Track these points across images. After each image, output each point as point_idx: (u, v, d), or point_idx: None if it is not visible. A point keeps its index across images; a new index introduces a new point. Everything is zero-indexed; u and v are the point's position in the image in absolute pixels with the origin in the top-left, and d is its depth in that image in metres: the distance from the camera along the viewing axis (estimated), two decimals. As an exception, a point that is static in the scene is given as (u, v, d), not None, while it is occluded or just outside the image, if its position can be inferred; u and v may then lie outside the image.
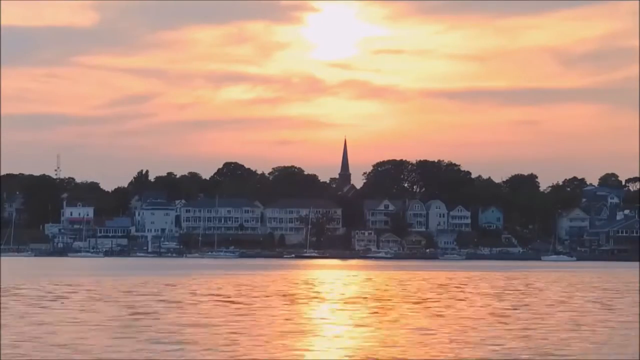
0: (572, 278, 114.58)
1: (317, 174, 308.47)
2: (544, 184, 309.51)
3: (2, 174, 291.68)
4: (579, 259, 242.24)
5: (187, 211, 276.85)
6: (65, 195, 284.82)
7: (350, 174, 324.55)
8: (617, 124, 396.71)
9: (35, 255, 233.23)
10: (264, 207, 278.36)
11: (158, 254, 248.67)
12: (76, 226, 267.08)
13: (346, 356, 33.18)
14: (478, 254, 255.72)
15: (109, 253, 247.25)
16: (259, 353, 33.09)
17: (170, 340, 36.59)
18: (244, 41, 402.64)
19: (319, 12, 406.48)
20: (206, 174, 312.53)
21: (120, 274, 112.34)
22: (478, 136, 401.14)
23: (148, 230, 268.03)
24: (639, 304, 61.76)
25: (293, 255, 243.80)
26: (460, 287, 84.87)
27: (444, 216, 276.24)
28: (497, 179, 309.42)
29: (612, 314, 53.43)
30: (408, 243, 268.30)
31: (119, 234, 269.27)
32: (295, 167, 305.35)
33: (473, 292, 77.01)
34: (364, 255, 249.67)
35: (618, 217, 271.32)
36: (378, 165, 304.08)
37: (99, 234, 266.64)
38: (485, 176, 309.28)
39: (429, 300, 64.68)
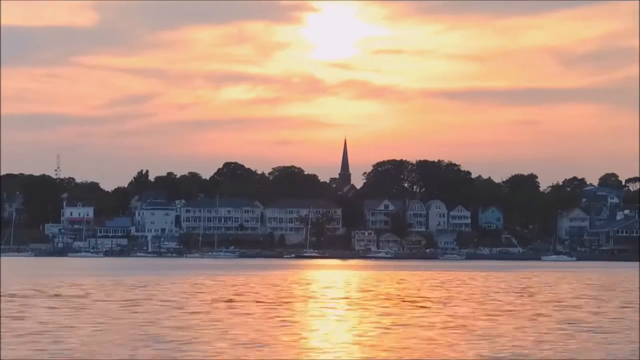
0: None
1: (317, 174, 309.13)
2: (544, 184, 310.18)
3: (2, 174, 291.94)
4: (579, 259, 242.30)
5: (187, 211, 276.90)
6: (65, 195, 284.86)
7: (350, 174, 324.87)
8: (617, 124, 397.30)
9: (35, 255, 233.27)
10: (264, 207, 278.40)
11: (158, 254, 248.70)
12: (76, 226, 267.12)
13: (348, 356, 33.16)
14: (478, 254, 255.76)
15: (109, 253, 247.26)
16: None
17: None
18: (244, 41, 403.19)
19: (319, 12, 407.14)
20: (206, 174, 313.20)
21: (139, 274, 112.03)
22: (478, 136, 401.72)
23: (148, 230, 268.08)
24: None
25: (293, 255, 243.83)
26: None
27: (444, 216, 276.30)
28: (497, 179, 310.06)
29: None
30: (408, 243, 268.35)
31: (119, 234, 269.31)
32: (295, 167, 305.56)
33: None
34: (364, 255, 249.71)
35: (618, 217, 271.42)
36: (378, 165, 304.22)
37: (99, 234, 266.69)
38: (485, 176, 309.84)
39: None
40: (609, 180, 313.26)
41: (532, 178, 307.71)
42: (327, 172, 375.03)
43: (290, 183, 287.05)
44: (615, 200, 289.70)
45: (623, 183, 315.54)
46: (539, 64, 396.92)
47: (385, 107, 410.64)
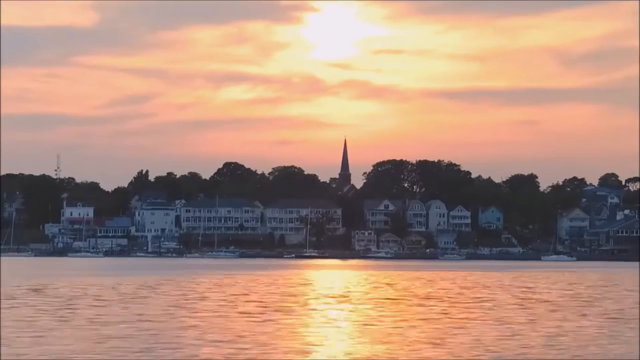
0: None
1: (317, 174, 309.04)
2: (544, 184, 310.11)
3: (2, 174, 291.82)
4: (579, 259, 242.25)
5: (187, 211, 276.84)
6: (65, 195, 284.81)
7: (350, 174, 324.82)
8: (617, 124, 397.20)
9: (35, 255, 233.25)
10: (264, 207, 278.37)
11: (158, 254, 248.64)
12: (76, 226, 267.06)
13: (348, 356, 33.18)
14: (478, 254, 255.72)
15: (109, 253, 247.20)
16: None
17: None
18: (244, 41, 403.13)
19: (319, 12, 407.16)
20: (206, 174, 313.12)
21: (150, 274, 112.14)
22: (478, 136, 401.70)
23: (148, 230, 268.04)
24: None
25: (293, 255, 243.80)
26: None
27: (444, 216, 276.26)
28: (497, 179, 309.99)
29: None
30: (408, 243, 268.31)
31: (119, 234, 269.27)
32: (295, 167, 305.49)
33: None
34: (364, 255, 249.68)
35: (618, 217, 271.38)
36: (378, 165, 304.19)
37: (99, 234, 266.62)
38: (485, 176, 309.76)
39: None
40: (609, 180, 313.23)
41: (532, 178, 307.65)
42: (327, 172, 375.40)
43: (290, 183, 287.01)
44: (615, 200, 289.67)
45: (623, 183, 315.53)
46: (539, 64, 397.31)
47: (385, 107, 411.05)
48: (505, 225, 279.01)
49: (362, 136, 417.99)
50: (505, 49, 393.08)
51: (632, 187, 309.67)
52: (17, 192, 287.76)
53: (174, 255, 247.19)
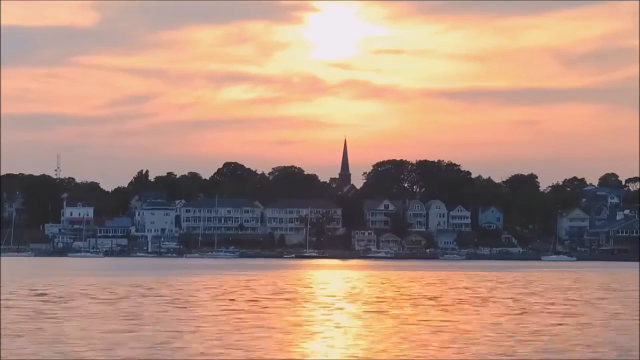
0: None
1: (317, 174, 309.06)
2: (544, 184, 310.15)
3: (2, 174, 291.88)
4: (579, 259, 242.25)
5: (187, 211, 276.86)
6: (65, 195, 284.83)
7: (350, 174, 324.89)
8: (617, 124, 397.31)
9: (35, 255, 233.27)
10: (264, 207, 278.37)
11: (158, 254, 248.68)
12: (76, 226, 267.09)
13: (348, 356, 33.18)
14: (478, 254, 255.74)
15: (109, 253, 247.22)
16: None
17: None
18: (244, 41, 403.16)
19: (319, 12, 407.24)
20: (206, 174, 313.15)
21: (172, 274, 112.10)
22: (478, 136, 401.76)
23: (148, 230, 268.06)
24: None
25: (293, 255, 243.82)
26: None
27: (444, 216, 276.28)
28: (497, 179, 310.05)
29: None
30: (408, 243, 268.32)
31: (119, 234, 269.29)
32: (295, 167, 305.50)
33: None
34: (364, 255, 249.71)
35: (618, 217, 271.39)
36: (378, 165, 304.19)
37: (99, 234, 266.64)
38: (485, 176, 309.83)
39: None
40: (609, 180, 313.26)
41: (532, 178, 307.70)
42: (327, 172, 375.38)
43: (290, 183, 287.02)
44: (615, 200, 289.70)
45: (623, 183, 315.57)
46: (539, 64, 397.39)
47: (386, 107, 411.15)
48: (505, 225, 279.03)
49: (362, 136, 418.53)
50: (505, 49, 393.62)
51: (632, 187, 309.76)
52: (17, 192, 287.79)
53: (174, 255, 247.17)
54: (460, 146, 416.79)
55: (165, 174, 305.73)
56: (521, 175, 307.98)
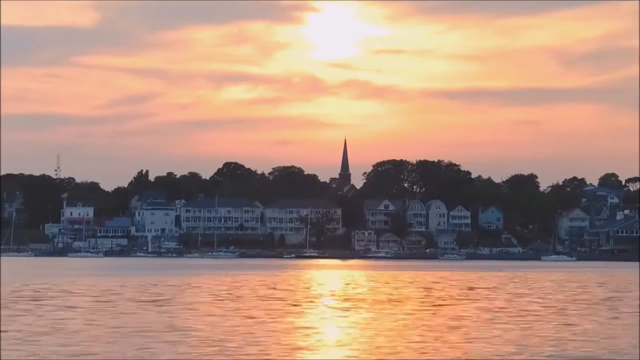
0: None
1: (317, 174, 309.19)
2: (544, 184, 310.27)
3: (2, 174, 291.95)
4: (579, 259, 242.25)
5: (187, 211, 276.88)
6: (65, 195, 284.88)
7: (350, 174, 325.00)
8: (617, 124, 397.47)
9: (35, 255, 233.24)
10: (264, 207, 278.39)
11: (158, 254, 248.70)
12: (76, 226, 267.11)
13: (347, 356, 33.18)
14: (478, 254, 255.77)
15: (109, 253, 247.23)
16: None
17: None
18: (244, 41, 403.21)
19: (319, 12, 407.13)
20: (206, 174, 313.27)
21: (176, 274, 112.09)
22: (478, 136, 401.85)
23: (148, 230, 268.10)
24: None
25: (293, 255, 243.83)
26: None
27: (444, 216, 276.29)
28: (497, 179, 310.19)
29: None
30: (408, 243, 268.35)
31: (119, 234, 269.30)
32: (295, 167, 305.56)
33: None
34: (364, 255, 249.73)
35: (618, 217, 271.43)
36: (378, 165, 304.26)
37: (99, 234, 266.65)
38: (485, 176, 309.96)
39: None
40: (609, 180, 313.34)
41: (532, 178, 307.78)
42: (327, 172, 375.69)
43: (290, 183, 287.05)
44: (615, 200, 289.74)
45: (623, 183, 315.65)
46: (539, 64, 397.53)
47: (386, 107, 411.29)
48: (505, 225, 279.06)
49: (362, 136, 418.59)
50: (505, 49, 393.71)
51: (632, 187, 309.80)
52: (17, 192, 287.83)
53: (174, 255, 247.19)
54: (460, 146, 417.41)
55: (165, 174, 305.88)
56: (521, 175, 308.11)
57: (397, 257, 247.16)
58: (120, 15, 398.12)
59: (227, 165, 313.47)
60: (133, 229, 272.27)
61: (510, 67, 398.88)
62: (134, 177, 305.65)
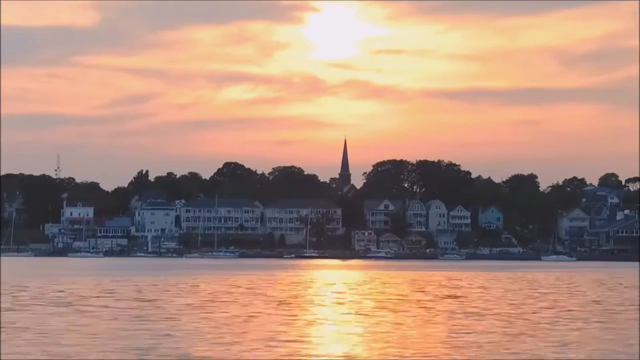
0: None
1: (317, 174, 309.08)
2: (544, 184, 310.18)
3: (2, 174, 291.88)
4: (579, 259, 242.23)
5: (187, 211, 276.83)
6: (65, 195, 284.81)
7: (350, 174, 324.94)
8: (617, 124, 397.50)
9: (35, 255, 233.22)
10: (264, 207, 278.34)
11: (158, 254, 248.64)
12: (76, 226, 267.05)
13: (346, 356, 33.19)
14: (478, 254, 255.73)
15: (109, 253, 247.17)
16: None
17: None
18: (244, 41, 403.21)
19: (320, 12, 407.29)
20: (206, 174, 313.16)
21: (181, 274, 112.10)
22: (478, 136, 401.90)
23: (148, 230, 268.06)
24: None
25: (293, 255, 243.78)
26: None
27: (444, 216, 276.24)
28: (497, 179, 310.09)
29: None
30: (408, 243, 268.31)
31: (119, 234, 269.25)
32: (295, 167, 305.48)
33: None
34: (364, 255, 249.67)
35: (618, 217, 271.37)
36: (378, 165, 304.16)
37: (99, 234, 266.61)
38: (485, 176, 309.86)
39: None
40: (609, 180, 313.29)
41: (532, 178, 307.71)
42: (327, 172, 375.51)
43: (290, 183, 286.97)
44: (615, 200, 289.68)
45: (623, 183, 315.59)
46: (539, 64, 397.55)
47: (386, 107, 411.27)
48: (505, 225, 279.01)
49: (362, 136, 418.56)
50: (505, 49, 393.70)
51: (632, 187, 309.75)
52: (17, 192, 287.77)
53: (174, 255, 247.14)
54: (460, 146, 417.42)
55: (165, 174, 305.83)
56: (521, 175, 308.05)
57: (397, 257, 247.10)
58: (120, 15, 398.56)
59: (227, 165, 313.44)
60: (133, 229, 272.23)
61: (510, 67, 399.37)
62: (134, 177, 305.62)
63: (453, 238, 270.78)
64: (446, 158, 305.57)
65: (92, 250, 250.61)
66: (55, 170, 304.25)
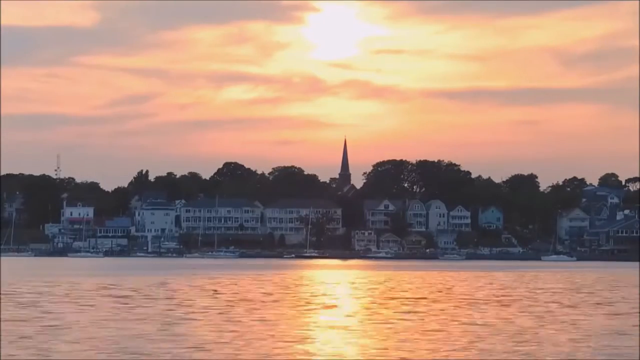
0: None
1: (317, 174, 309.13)
2: (544, 184, 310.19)
3: (2, 174, 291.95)
4: (579, 259, 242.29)
5: (187, 211, 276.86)
6: (65, 195, 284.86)
7: (350, 174, 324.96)
8: (617, 124, 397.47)
9: (35, 255, 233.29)
10: (264, 207, 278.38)
11: (158, 254, 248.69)
12: (76, 226, 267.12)
13: (346, 357, 33.19)
14: (478, 254, 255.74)
15: (109, 253, 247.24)
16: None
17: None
18: (244, 41, 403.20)
19: (320, 12, 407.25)
20: (206, 174, 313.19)
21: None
22: (478, 136, 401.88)
23: (148, 230, 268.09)
24: None
25: (293, 255, 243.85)
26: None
27: (444, 216, 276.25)
28: (497, 179, 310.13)
29: None
30: (408, 243, 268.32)
31: (119, 234, 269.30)
32: (295, 167, 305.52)
33: None
34: (364, 255, 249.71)
35: (618, 217, 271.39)
36: (378, 165, 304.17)
37: (99, 234, 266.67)
38: (485, 176, 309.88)
39: None
40: (609, 180, 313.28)
41: (532, 178, 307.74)
42: (327, 172, 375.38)
43: (290, 183, 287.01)
44: (615, 200, 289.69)
45: (623, 183, 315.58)
46: (539, 64, 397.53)
47: (386, 107, 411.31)
48: (505, 225, 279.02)
49: (362, 136, 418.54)
50: (505, 49, 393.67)
51: (632, 187, 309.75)
52: (17, 192, 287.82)
53: (174, 255, 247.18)
54: (460, 146, 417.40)
55: (165, 174, 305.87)
56: (521, 175, 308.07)
57: (397, 257, 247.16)
58: (120, 15, 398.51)
59: (227, 165, 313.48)
60: (133, 229, 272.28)
61: (510, 67, 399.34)
62: (134, 177, 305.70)
63: (453, 238, 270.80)
64: (446, 158, 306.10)
65: (92, 250, 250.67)
66: (55, 170, 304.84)
